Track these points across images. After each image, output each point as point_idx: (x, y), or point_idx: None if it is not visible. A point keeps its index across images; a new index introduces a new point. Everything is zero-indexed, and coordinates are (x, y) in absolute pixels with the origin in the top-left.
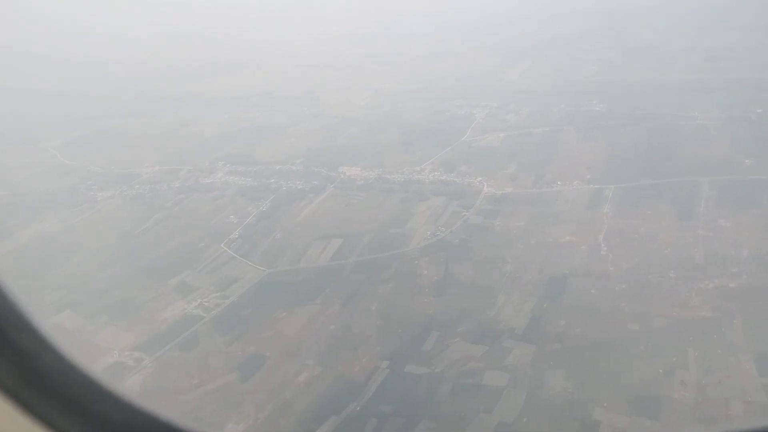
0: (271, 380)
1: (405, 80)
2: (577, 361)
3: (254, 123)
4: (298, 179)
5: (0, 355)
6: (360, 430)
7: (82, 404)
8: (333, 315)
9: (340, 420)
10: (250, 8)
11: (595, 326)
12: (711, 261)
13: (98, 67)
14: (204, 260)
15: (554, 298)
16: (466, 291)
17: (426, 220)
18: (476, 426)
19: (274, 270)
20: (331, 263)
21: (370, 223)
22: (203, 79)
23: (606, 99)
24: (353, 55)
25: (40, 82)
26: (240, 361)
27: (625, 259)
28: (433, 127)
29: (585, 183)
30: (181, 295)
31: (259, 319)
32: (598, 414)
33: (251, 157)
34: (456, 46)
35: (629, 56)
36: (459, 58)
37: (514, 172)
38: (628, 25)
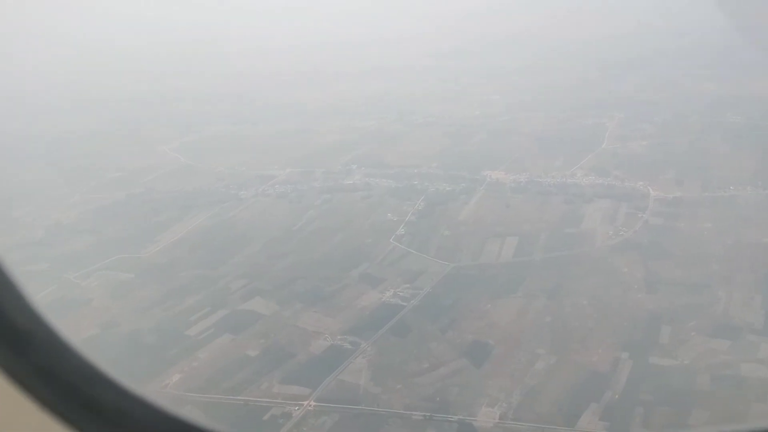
0: (507, 367)
1: (513, 92)
2: None
3: (370, 130)
4: (442, 181)
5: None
6: (628, 417)
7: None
8: (542, 307)
9: (602, 407)
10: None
11: None
12: None
13: (198, 79)
14: (378, 254)
15: None
16: (679, 288)
17: (600, 220)
18: (757, 414)
19: (458, 264)
20: (515, 259)
21: (540, 222)
22: (302, 89)
23: (739, 111)
24: (447, 69)
25: (148, 87)
26: (464, 348)
27: None
28: (564, 135)
29: (759, 188)
30: (369, 285)
31: (465, 309)
32: None
33: (381, 160)
34: (549, 62)
35: (741, 71)
36: (557, 72)
37: (676, 177)
38: (726, 44)
